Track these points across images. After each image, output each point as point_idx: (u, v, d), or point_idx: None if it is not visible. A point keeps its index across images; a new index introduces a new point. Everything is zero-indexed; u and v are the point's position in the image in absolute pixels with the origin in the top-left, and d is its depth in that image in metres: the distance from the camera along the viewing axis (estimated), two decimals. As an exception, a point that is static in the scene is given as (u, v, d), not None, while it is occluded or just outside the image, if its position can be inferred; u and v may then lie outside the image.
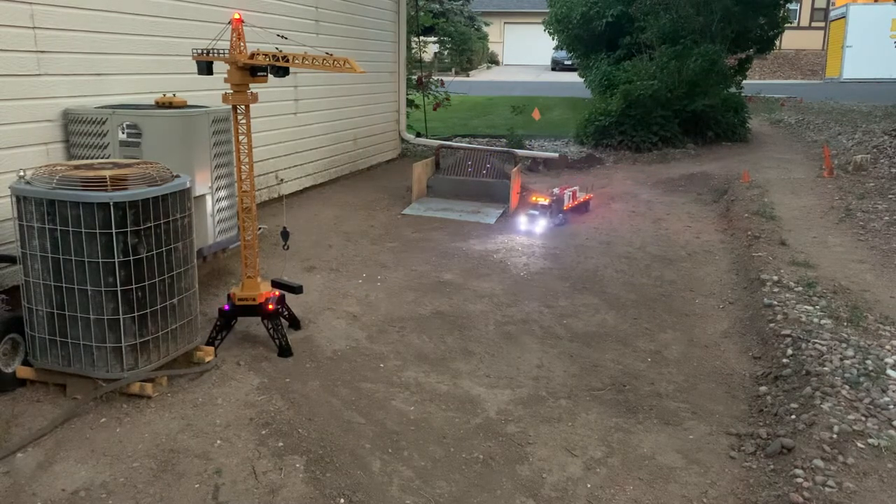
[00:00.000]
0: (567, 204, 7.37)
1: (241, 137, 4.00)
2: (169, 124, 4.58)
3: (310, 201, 7.80)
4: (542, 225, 6.95)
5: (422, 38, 14.10)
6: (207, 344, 4.07)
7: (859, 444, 3.13)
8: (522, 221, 7.04)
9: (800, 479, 2.94)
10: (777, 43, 19.07)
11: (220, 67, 3.88)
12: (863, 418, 3.34)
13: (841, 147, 11.64)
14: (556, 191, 7.48)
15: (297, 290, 4.55)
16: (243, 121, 3.97)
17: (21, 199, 3.38)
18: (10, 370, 3.63)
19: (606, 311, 5.06)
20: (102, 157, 4.53)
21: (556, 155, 10.83)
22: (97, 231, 3.28)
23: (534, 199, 7.21)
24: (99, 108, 4.69)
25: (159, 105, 4.71)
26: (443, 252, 6.27)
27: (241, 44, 3.79)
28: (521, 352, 4.38)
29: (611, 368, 4.18)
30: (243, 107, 3.95)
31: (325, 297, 5.11)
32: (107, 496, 2.87)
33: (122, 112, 4.55)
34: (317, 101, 8.09)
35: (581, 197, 7.77)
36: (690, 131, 12.54)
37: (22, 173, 3.47)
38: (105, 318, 3.38)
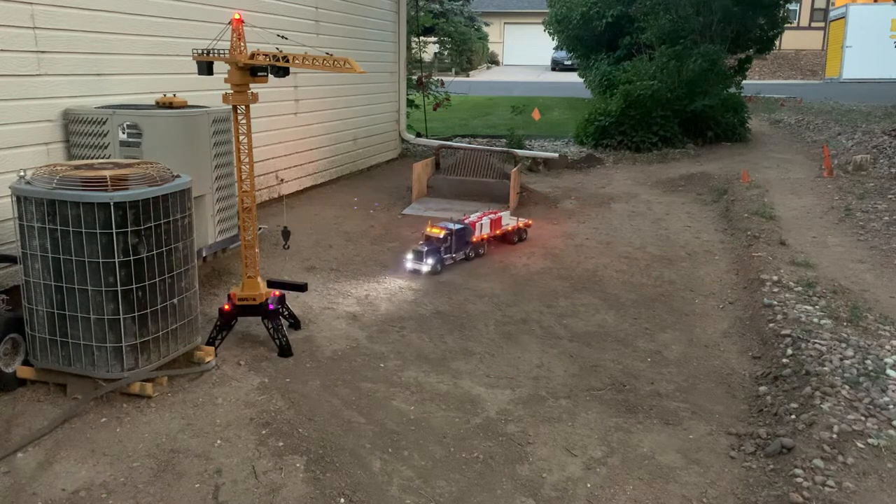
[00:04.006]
0: (481, 235, 6.18)
1: (241, 137, 4.00)
2: (169, 124, 4.58)
3: (310, 201, 7.81)
4: (430, 263, 5.62)
5: (422, 38, 14.10)
6: (208, 344, 4.07)
7: (859, 444, 3.14)
8: (408, 259, 5.72)
9: (800, 479, 2.94)
10: (777, 43, 19.07)
11: (221, 67, 3.88)
12: (862, 418, 3.34)
13: (841, 147, 11.65)
14: (473, 217, 6.33)
15: (302, 288, 4.56)
16: (243, 121, 3.97)
17: (21, 199, 3.38)
18: (10, 370, 3.63)
19: (606, 311, 5.07)
20: (103, 158, 4.53)
21: (556, 155, 10.84)
22: (97, 231, 3.29)
23: (428, 229, 5.82)
24: (99, 108, 4.69)
25: (160, 105, 4.71)
26: (443, 252, 6.27)
27: (242, 44, 3.79)
28: (521, 352, 4.38)
29: (611, 368, 4.18)
30: (243, 107, 3.95)
31: (325, 297, 5.11)
32: (107, 496, 2.87)
33: (122, 112, 4.55)
34: (317, 101, 8.09)
35: (510, 224, 6.58)
36: (690, 131, 12.55)
37: (22, 173, 3.48)
38: (105, 318, 3.38)
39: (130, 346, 3.45)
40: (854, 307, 4.70)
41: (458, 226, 5.94)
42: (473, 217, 6.37)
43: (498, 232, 6.46)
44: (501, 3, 42.58)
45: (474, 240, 6.09)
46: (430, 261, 5.62)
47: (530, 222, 6.91)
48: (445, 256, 5.81)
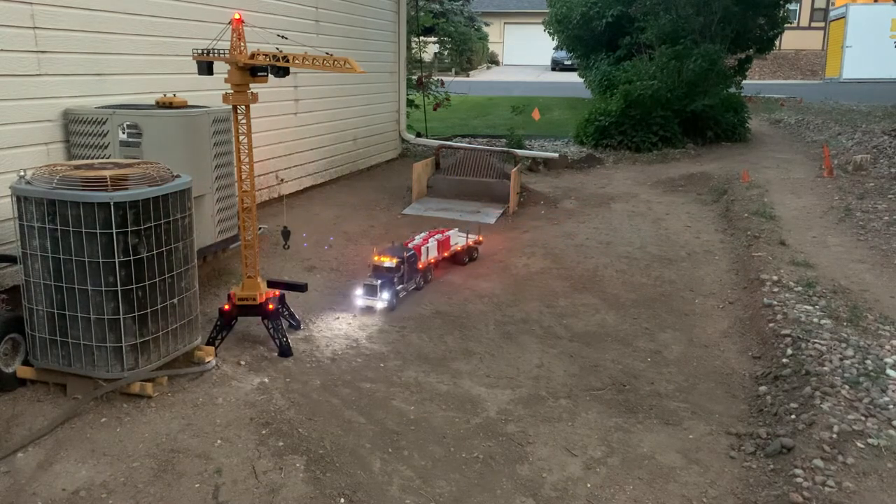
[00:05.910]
0: (428, 260, 5.52)
1: (241, 137, 4.00)
2: (169, 124, 4.58)
3: (310, 201, 7.80)
4: (385, 299, 4.91)
5: (422, 38, 14.10)
6: (208, 344, 4.07)
7: (859, 444, 3.14)
8: (358, 295, 4.97)
9: (799, 479, 2.94)
10: (777, 43, 19.09)
11: (221, 67, 3.88)
12: (862, 418, 3.34)
13: (841, 147, 11.65)
14: (417, 240, 5.66)
15: (302, 288, 4.55)
16: (243, 121, 3.97)
17: (22, 199, 3.38)
18: (10, 370, 3.63)
19: (606, 311, 5.07)
20: (103, 157, 4.53)
21: (556, 155, 10.84)
22: (97, 231, 3.29)
23: (376, 258, 5.09)
24: (99, 108, 4.69)
25: (160, 105, 4.71)
26: (443, 252, 6.26)
27: (242, 44, 3.80)
28: (521, 352, 4.38)
29: (611, 368, 4.18)
30: (243, 107, 3.96)
31: (325, 297, 5.11)
32: (107, 496, 2.87)
33: (122, 112, 4.55)
34: (317, 101, 8.09)
35: (459, 244, 5.97)
36: (690, 131, 12.56)
37: (22, 173, 3.48)
38: (105, 317, 3.38)
39: (130, 346, 3.45)
40: (854, 307, 4.70)
41: (409, 252, 5.23)
42: (418, 240, 5.66)
43: (446, 254, 5.81)
44: (501, 3, 42.58)
45: (420, 266, 5.37)
46: (385, 295, 4.90)
47: (481, 238, 6.23)
48: (399, 288, 5.09)
